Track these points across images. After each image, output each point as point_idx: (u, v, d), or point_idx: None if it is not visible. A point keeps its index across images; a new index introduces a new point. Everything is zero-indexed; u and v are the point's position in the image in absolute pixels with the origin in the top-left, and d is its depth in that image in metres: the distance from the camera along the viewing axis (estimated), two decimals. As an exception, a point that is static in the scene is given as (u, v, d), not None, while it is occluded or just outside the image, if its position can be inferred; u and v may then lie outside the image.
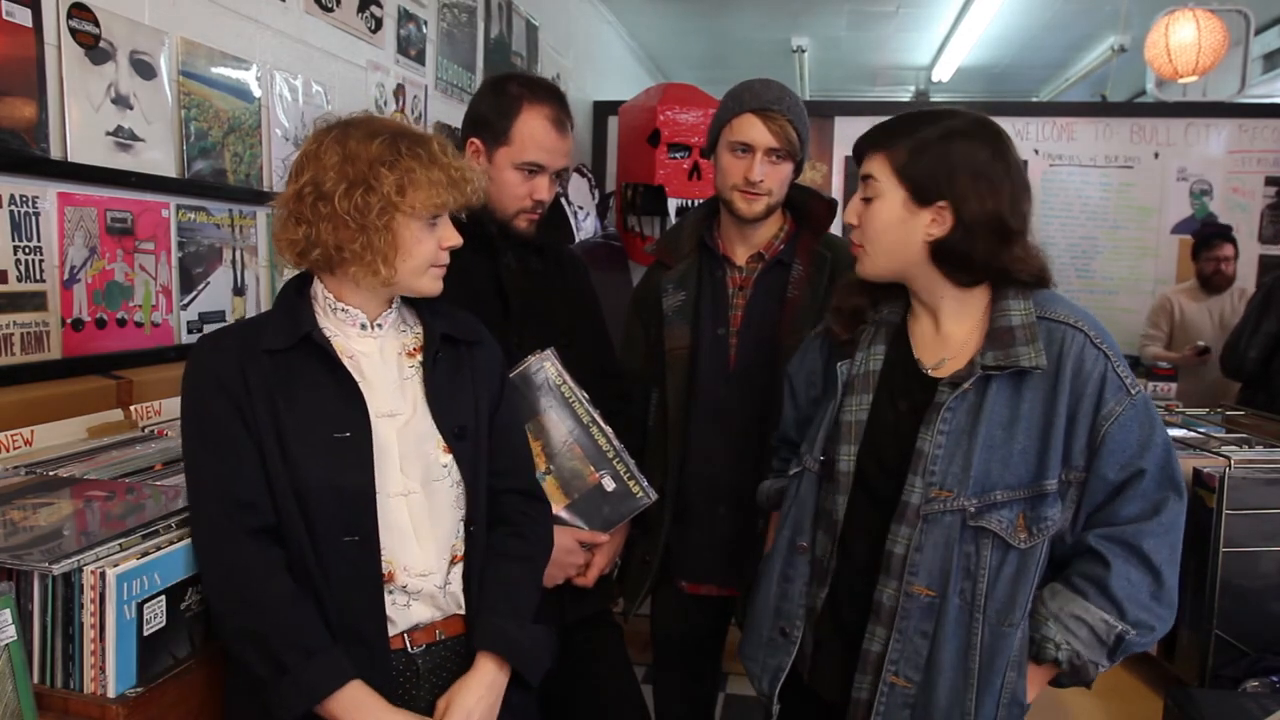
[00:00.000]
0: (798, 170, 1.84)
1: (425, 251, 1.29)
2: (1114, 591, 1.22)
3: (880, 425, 1.34)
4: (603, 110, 4.87)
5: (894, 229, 1.30)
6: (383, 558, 1.25)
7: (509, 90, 1.69)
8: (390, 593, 1.26)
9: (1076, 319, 1.27)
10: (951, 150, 1.26)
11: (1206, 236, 4.11)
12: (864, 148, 1.34)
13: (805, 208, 1.89)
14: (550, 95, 1.70)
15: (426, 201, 1.25)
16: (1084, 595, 1.24)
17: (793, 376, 1.57)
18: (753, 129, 1.75)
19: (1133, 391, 1.24)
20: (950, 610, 1.24)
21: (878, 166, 1.30)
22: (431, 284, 1.32)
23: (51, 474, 1.36)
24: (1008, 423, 1.24)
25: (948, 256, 1.29)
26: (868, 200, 1.32)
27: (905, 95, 7.74)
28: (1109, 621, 1.22)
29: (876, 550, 1.31)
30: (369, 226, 1.23)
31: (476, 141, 1.70)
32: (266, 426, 1.21)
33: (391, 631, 1.26)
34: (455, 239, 1.31)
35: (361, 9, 2.65)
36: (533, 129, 1.66)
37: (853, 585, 1.35)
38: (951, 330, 1.34)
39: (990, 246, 1.27)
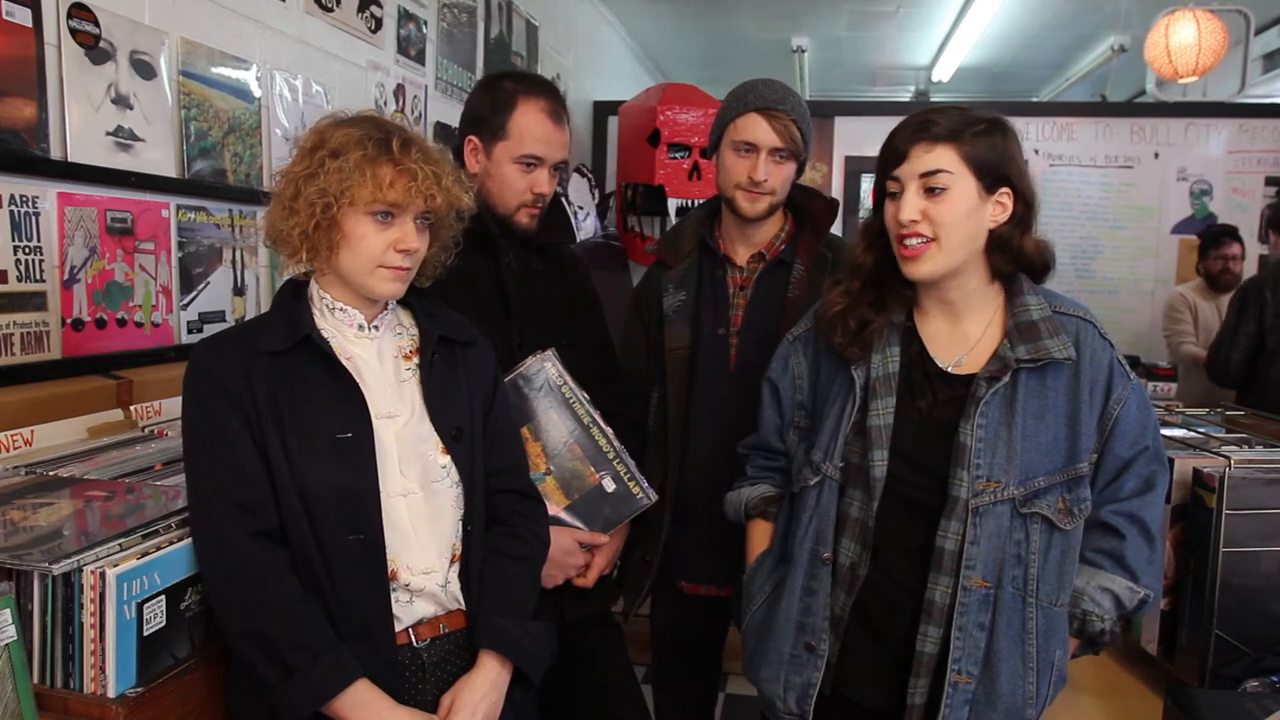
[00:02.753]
0: (800, 170, 1.84)
1: (370, 248, 1.24)
2: (1129, 561, 1.32)
3: (907, 426, 1.34)
4: (603, 110, 4.87)
5: (970, 219, 1.30)
6: (387, 556, 1.25)
7: (503, 86, 1.70)
8: (394, 590, 1.27)
9: (1083, 312, 1.36)
10: (1005, 139, 1.32)
11: (1215, 235, 4.09)
12: (918, 142, 1.29)
13: (807, 207, 1.89)
14: (544, 89, 1.71)
15: (368, 195, 1.22)
16: (1104, 567, 1.33)
17: (776, 382, 1.54)
18: (757, 128, 1.75)
19: (1131, 377, 1.34)
20: (1005, 599, 1.28)
21: (948, 159, 1.28)
22: (381, 285, 1.27)
23: (51, 474, 1.36)
24: (1039, 412, 1.30)
25: (1004, 245, 1.33)
26: (934, 192, 1.28)
27: (905, 95, 7.74)
28: (1133, 588, 1.32)
29: (912, 551, 1.32)
30: (299, 210, 1.22)
31: (474, 139, 1.70)
32: (269, 428, 1.21)
33: (396, 627, 1.27)
34: (411, 242, 1.26)
35: (361, 9, 2.65)
36: (529, 121, 1.67)
37: (885, 590, 1.34)
38: (970, 327, 1.37)
39: (1030, 231, 1.35)
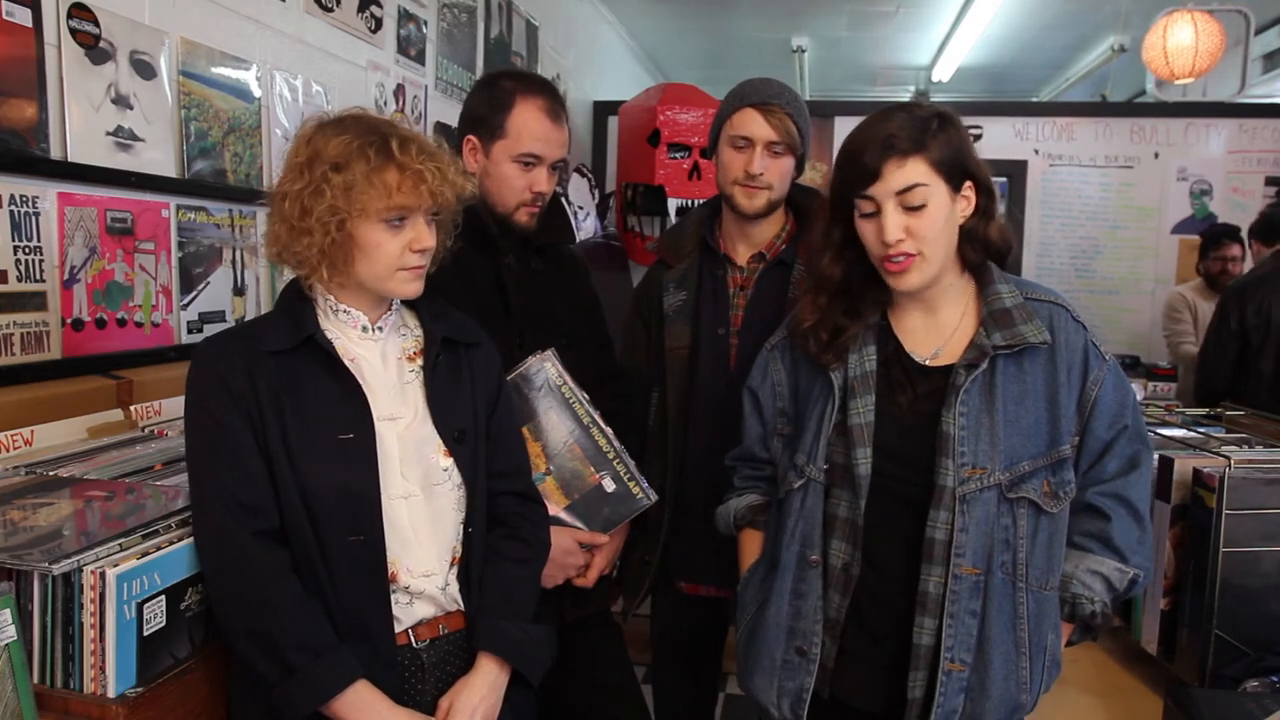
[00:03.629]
0: (800, 167, 1.84)
1: (387, 255, 1.25)
2: (1117, 542, 1.32)
3: (889, 422, 1.34)
4: (603, 110, 4.87)
5: (948, 225, 1.30)
6: (387, 558, 1.25)
7: (501, 85, 1.70)
8: (393, 592, 1.27)
9: (1055, 296, 1.36)
10: (957, 132, 1.31)
11: (1215, 235, 4.09)
12: (889, 158, 1.26)
13: (808, 208, 1.89)
14: (542, 88, 1.71)
15: (379, 204, 1.21)
16: (1092, 550, 1.33)
17: (756, 391, 1.54)
18: (752, 123, 1.75)
19: (1106, 358, 1.35)
20: (995, 585, 1.28)
21: (920, 171, 1.26)
22: (402, 286, 1.28)
23: (51, 474, 1.35)
24: (1019, 397, 1.30)
25: (973, 236, 1.34)
26: (914, 209, 1.27)
27: (905, 95, 7.72)
28: (1122, 569, 1.32)
29: (902, 546, 1.31)
30: (312, 230, 1.21)
31: (473, 139, 1.70)
32: (273, 428, 1.22)
33: (396, 628, 1.27)
34: (426, 241, 1.26)
35: (361, 9, 2.65)
36: (527, 120, 1.67)
37: (878, 588, 1.34)
38: (945, 318, 1.37)
39: (994, 219, 1.35)
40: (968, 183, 1.31)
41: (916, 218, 1.27)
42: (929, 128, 1.28)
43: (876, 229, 1.29)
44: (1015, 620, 1.29)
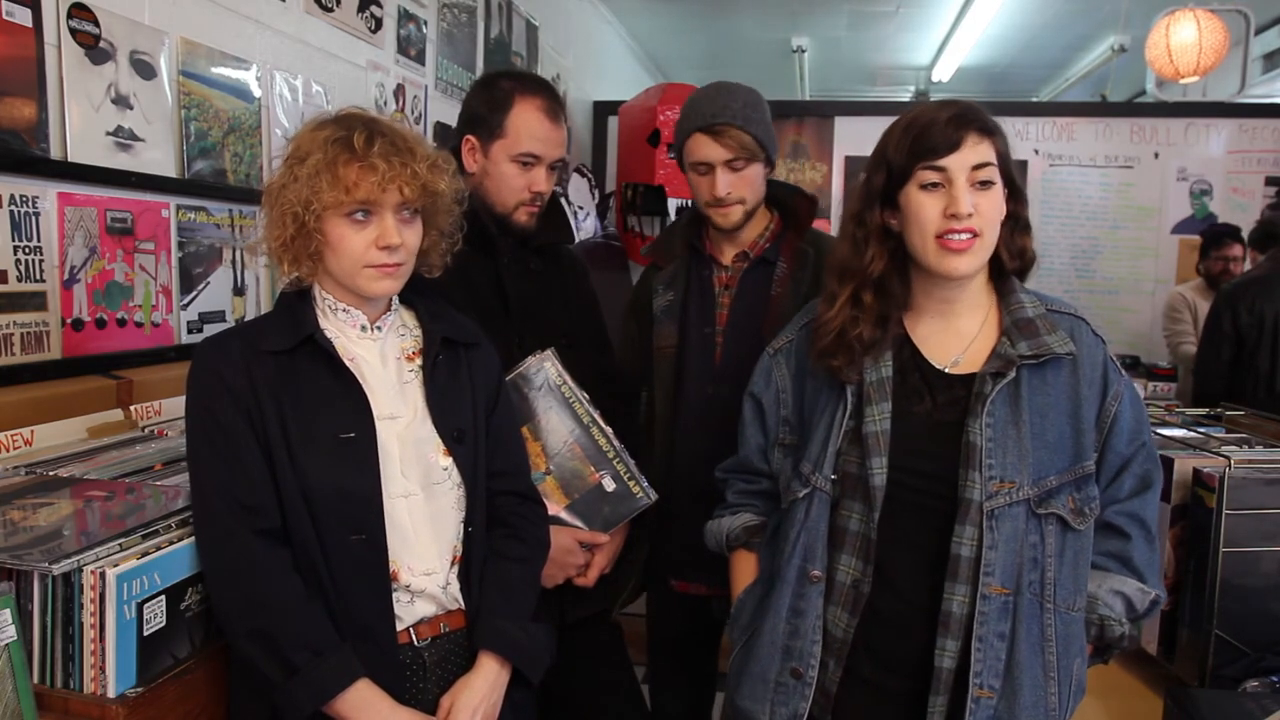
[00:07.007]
0: (770, 166, 1.83)
1: (352, 250, 1.23)
2: (1136, 563, 1.29)
3: (906, 431, 1.28)
4: (603, 110, 4.87)
5: (1001, 215, 1.28)
6: (388, 557, 1.26)
7: (500, 85, 1.71)
8: (394, 591, 1.27)
9: (1074, 309, 1.33)
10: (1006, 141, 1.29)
11: (1216, 235, 4.09)
12: (970, 131, 1.23)
13: (790, 205, 1.89)
14: (541, 87, 1.72)
15: (334, 197, 1.20)
16: (1111, 569, 1.30)
17: (760, 397, 1.45)
18: (704, 148, 1.75)
19: (1123, 373, 1.32)
20: (1024, 605, 1.22)
21: (991, 153, 1.24)
22: (370, 284, 1.26)
23: (51, 474, 1.35)
24: (1043, 410, 1.26)
25: (1011, 240, 1.31)
26: (984, 186, 1.24)
27: (905, 95, 7.73)
28: (1144, 590, 1.29)
29: (920, 563, 1.26)
30: (274, 223, 1.23)
31: (472, 139, 1.70)
32: (273, 428, 1.22)
33: (397, 627, 1.27)
34: (392, 238, 1.23)
35: (361, 9, 2.65)
36: (526, 120, 1.67)
37: (891, 606, 1.27)
38: (965, 325, 1.32)
39: (1029, 230, 1.33)
40: (1015, 187, 1.30)
41: (984, 196, 1.24)
42: (995, 120, 1.27)
43: (941, 201, 1.24)
44: (1043, 643, 1.22)
